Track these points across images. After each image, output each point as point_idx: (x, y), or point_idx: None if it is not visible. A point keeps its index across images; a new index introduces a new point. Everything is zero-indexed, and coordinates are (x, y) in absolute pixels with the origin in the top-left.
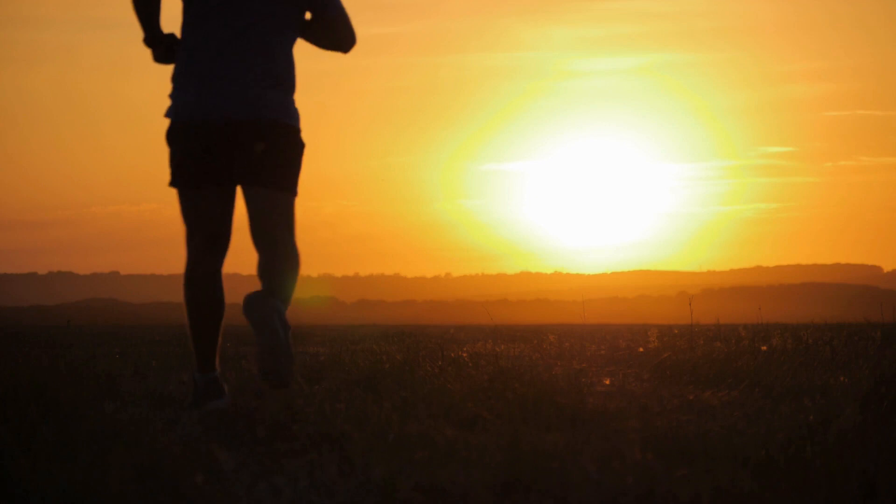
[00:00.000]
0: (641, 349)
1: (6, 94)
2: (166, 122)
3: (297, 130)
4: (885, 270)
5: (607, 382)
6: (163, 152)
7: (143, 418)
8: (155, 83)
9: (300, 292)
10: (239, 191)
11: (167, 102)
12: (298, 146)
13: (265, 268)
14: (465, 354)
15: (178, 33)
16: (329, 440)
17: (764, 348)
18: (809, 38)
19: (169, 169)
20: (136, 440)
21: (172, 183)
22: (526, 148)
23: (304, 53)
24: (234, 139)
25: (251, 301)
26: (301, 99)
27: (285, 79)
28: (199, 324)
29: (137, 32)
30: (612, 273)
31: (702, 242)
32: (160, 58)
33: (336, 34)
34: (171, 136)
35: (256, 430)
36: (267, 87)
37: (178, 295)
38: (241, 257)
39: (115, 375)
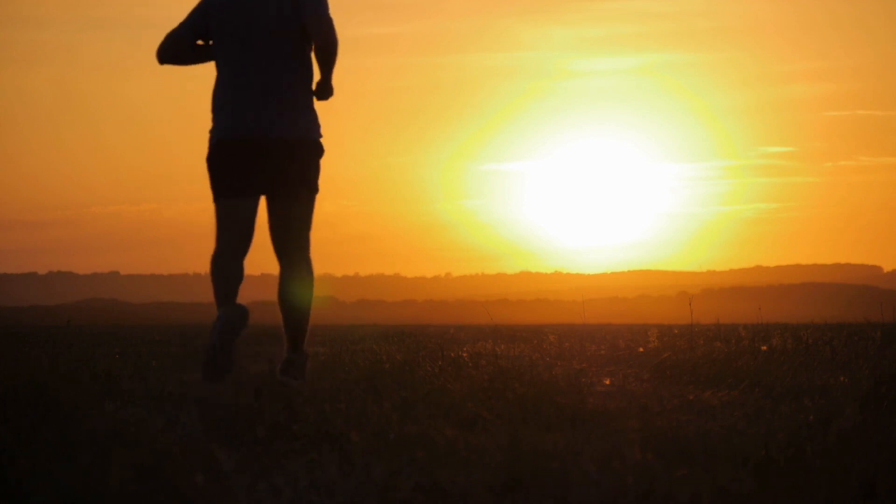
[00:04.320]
0: (641, 349)
1: (6, 94)
2: (170, 125)
3: (314, 142)
4: (885, 270)
5: (607, 382)
6: (163, 152)
7: (143, 418)
8: (155, 83)
9: None
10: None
11: (167, 103)
12: (316, 156)
13: (283, 276)
14: (465, 354)
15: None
16: (329, 440)
17: (764, 348)
18: (809, 38)
19: (210, 185)
20: (136, 440)
21: (215, 198)
22: (526, 148)
23: None
24: (257, 156)
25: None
26: None
27: (300, 97)
28: (221, 289)
29: (137, 32)
30: (612, 273)
31: (702, 242)
32: None
33: (317, 37)
34: (210, 155)
35: (256, 430)
36: (284, 108)
37: (178, 295)
38: (252, 258)
39: (115, 375)
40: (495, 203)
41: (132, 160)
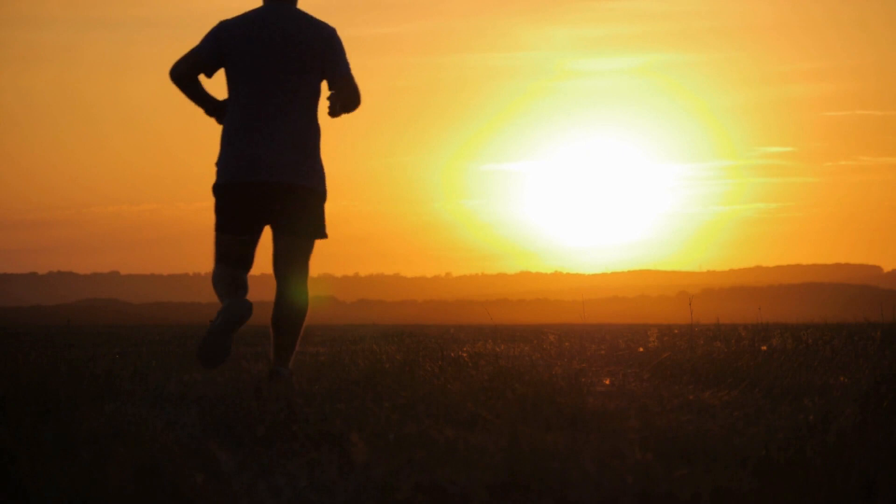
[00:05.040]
0: (641, 349)
1: (6, 94)
2: (170, 125)
3: (318, 190)
4: (885, 270)
5: (607, 382)
6: (163, 152)
7: (143, 418)
8: (155, 83)
9: None
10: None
11: (167, 103)
12: (321, 203)
13: (279, 295)
14: (465, 354)
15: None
16: (329, 440)
17: (764, 348)
18: (809, 38)
19: (214, 216)
20: (136, 440)
21: (217, 229)
22: (526, 148)
23: None
24: (264, 199)
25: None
26: None
27: (309, 144)
28: (225, 293)
29: (137, 32)
30: (612, 273)
31: (702, 242)
32: (222, 120)
33: (343, 97)
34: (216, 192)
35: (256, 430)
36: (293, 154)
37: (178, 295)
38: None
39: (115, 375)
40: (495, 203)
41: (132, 160)
